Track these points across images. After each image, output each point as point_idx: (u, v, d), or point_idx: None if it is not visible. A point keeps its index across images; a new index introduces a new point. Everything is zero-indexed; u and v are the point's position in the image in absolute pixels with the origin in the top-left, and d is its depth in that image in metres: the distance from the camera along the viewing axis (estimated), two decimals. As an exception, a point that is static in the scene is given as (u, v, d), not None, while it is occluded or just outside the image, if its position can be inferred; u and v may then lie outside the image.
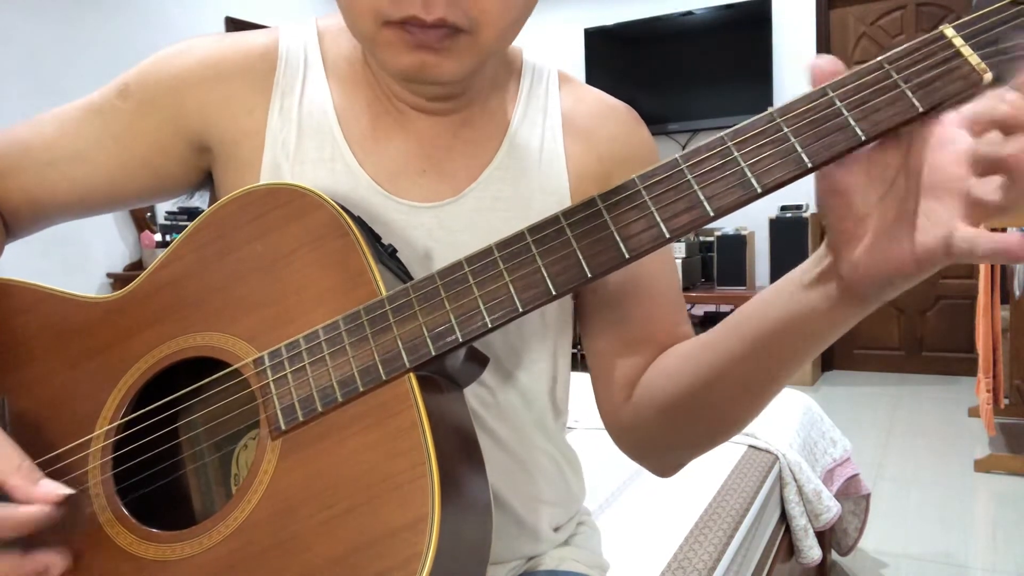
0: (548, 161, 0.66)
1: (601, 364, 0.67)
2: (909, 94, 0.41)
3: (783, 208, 4.04)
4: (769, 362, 0.51)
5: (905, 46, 0.42)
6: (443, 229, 0.63)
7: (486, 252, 0.49)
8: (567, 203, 0.65)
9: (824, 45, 4.29)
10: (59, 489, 0.49)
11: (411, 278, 0.56)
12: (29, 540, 0.49)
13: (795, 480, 1.69)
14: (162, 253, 0.58)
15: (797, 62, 4.31)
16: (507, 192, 0.65)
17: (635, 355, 0.64)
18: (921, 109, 0.41)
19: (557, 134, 0.67)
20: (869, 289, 0.43)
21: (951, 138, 0.40)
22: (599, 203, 0.47)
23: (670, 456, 0.64)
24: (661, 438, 0.62)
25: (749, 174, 0.44)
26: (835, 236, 0.45)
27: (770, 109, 0.44)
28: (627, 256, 0.46)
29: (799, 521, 1.69)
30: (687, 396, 0.57)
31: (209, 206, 0.58)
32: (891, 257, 0.41)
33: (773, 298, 0.50)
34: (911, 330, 4.28)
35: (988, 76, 0.40)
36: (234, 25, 3.88)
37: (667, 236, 0.45)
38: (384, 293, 0.50)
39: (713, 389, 0.55)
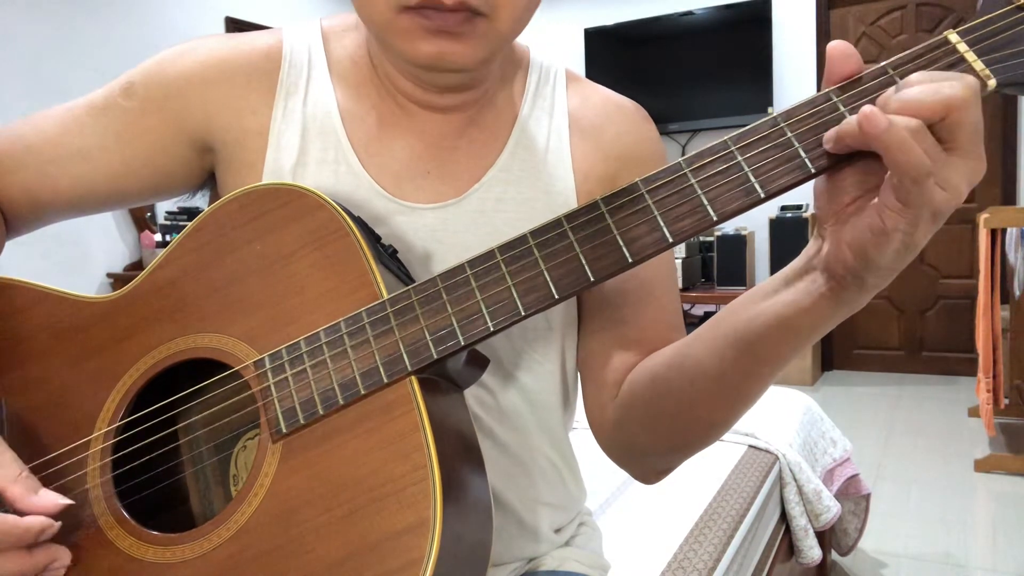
0: (554, 161, 0.66)
1: (592, 363, 0.66)
2: None
3: (783, 208, 4.04)
4: (751, 361, 0.50)
5: (909, 51, 0.42)
6: (446, 230, 0.63)
7: (488, 255, 0.49)
8: (572, 204, 0.65)
9: (824, 45, 4.28)
10: (58, 500, 0.49)
11: (412, 279, 0.56)
12: None
13: (795, 480, 1.69)
14: (161, 252, 0.58)
15: (797, 62, 4.30)
16: (511, 193, 0.64)
17: (626, 356, 0.64)
18: None
19: (563, 134, 0.67)
20: (849, 267, 0.43)
21: None
22: (602, 206, 0.47)
23: (652, 460, 0.64)
24: (643, 440, 0.62)
25: (752, 179, 0.43)
26: (822, 215, 0.45)
27: (773, 113, 0.44)
28: (630, 260, 0.46)
29: (799, 521, 1.69)
30: (670, 395, 0.57)
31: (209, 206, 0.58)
32: (867, 222, 0.41)
33: (758, 296, 0.50)
34: (911, 330, 4.27)
35: (992, 82, 0.40)
36: (234, 25, 3.87)
37: (670, 240, 0.45)
38: (385, 295, 0.50)
39: (696, 388, 0.55)
